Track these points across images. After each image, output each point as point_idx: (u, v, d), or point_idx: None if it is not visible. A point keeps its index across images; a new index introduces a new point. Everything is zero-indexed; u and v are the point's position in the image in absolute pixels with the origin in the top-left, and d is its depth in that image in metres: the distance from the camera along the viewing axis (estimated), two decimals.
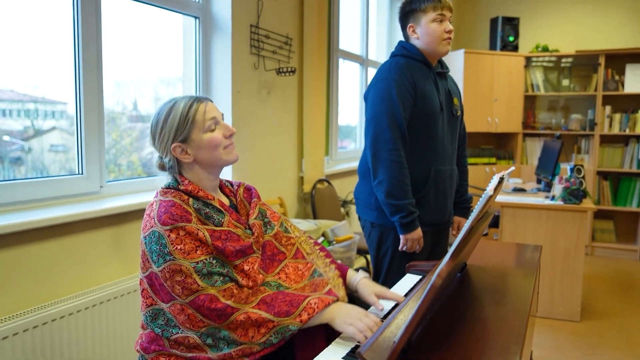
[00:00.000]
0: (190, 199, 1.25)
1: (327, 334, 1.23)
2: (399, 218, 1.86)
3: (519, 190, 3.77)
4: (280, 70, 2.93)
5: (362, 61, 4.45)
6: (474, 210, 0.90)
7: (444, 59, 2.12)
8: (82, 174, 2.03)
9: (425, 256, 2.05)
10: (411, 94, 1.89)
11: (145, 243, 1.20)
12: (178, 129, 1.25)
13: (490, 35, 5.15)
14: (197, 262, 1.15)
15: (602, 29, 4.99)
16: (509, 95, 5.00)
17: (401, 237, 1.90)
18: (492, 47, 5.10)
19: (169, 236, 1.16)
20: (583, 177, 3.44)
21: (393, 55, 2.06)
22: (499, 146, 5.29)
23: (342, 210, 3.68)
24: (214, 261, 1.18)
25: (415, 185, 1.94)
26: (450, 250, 0.80)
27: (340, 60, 3.98)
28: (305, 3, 3.19)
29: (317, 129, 3.33)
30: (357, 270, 1.48)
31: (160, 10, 2.39)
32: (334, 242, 2.67)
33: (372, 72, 4.63)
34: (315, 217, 3.20)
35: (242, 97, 2.69)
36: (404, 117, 1.87)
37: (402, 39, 2.09)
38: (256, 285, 1.24)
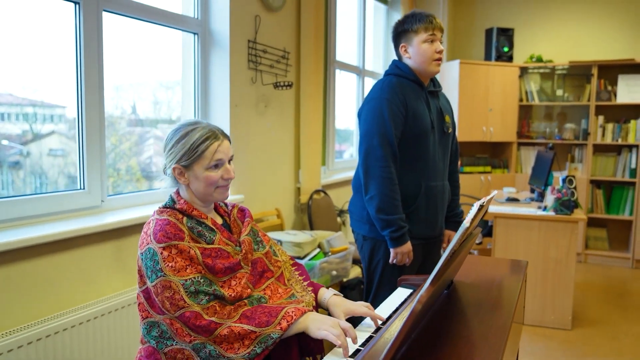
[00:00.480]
0: (185, 218, 1.33)
1: (300, 344, 1.31)
2: (389, 232, 1.93)
3: (512, 200, 3.84)
4: (278, 84, 2.99)
5: (359, 71, 4.52)
6: (452, 240, 0.96)
7: (437, 76, 2.19)
8: (83, 189, 2.09)
9: (416, 268, 2.11)
10: (402, 113, 1.96)
11: (142, 259, 1.28)
12: (184, 154, 1.33)
13: (485, 45, 5.23)
14: (186, 280, 1.23)
15: (595, 40, 5.07)
16: (503, 105, 5.07)
17: (391, 250, 1.97)
18: (487, 57, 5.18)
19: (161, 253, 1.24)
20: (574, 188, 3.51)
21: (386, 74, 2.13)
22: (494, 155, 5.36)
23: (339, 219, 3.74)
24: (202, 280, 1.25)
25: (407, 200, 2.00)
26: (430, 277, 0.86)
27: (337, 71, 4.05)
28: (302, 17, 3.26)
29: (313, 140, 3.40)
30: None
31: (160, 27, 2.46)
32: (330, 254, 2.73)
33: (368, 82, 4.70)
34: (311, 227, 3.26)
35: (239, 111, 2.76)
36: (395, 135, 1.94)
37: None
38: (242, 298, 1.31)
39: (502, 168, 5.25)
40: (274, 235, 2.69)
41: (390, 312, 1.44)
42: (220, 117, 2.70)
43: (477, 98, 4.97)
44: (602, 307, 3.71)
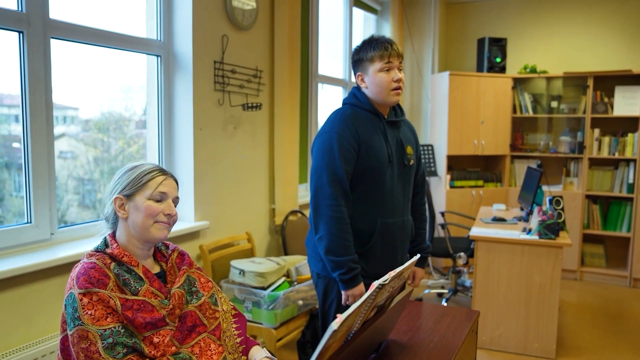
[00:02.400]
0: (113, 264, 1.27)
1: None
2: (339, 274, 1.83)
3: (498, 219, 3.71)
4: (247, 106, 2.91)
5: (345, 84, 4.42)
6: (321, 340, 0.84)
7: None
8: (30, 222, 2.03)
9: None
10: (355, 148, 1.86)
11: (65, 305, 1.22)
12: (129, 184, 1.32)
13: (477, 56, 5.09)
14: (105, 330, 1.16)
15: (591, 51, 4.91)
16: (496, 117, 4.93)
17: (342, 292, 1.87)
18: (479, 68, 5.03)
19: (81, 300, 1.18)
20: (562, 209, 3.37)
21: (343, 102, 2.03)
22: (487, 168, 5.21)
23: None
24: (123, 330, 1.18)
25: (361, 238, 1.90)
26: None
27: (320, 85, 3.95)
28: (276, 34, 3.17)
29: (289, 160, 3.31)
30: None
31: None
32: (296, 283, 2.64)
33: None
34: (285, 251, 3.17)
35: (205, 135, 2.68)
36: (346, 171, 1.84)
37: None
38: (164, 357, 1.23)
39: (495, 182, 5.10)
40: (238, 263, 2.61)
41: None
42: (184, 141, 2.63)
43: (468, 110, 4.83)
44: (593, 332, 3.57)
